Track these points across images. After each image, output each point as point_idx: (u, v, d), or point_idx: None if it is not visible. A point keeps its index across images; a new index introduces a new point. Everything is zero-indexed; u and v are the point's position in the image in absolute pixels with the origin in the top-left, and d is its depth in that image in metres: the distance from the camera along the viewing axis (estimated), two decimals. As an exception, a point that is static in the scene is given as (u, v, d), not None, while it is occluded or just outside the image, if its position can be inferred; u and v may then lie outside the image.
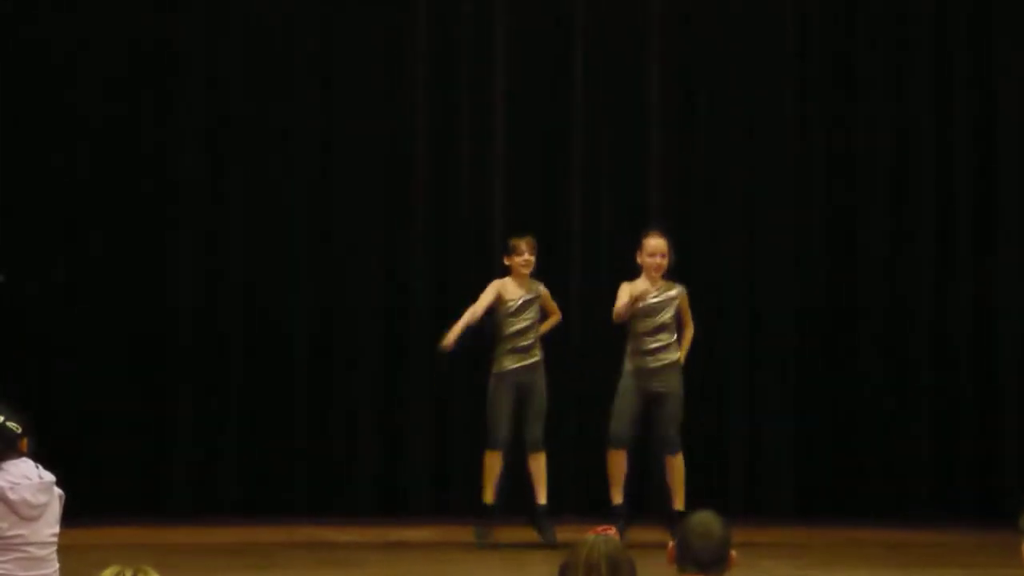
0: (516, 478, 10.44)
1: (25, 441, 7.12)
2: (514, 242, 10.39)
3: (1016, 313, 12.37)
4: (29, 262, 11.55)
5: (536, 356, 10.34)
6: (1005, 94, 12.42)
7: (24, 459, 7.06)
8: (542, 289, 10.42)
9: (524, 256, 10.30)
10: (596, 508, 10.51)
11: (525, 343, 10.29)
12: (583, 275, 12.17)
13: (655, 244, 10.20)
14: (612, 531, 4.55)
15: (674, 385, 10.27)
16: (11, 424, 7.00)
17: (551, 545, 9.91)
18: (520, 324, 10.30)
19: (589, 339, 11.86)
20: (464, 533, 10.54)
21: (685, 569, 4.94)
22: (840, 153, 12.48)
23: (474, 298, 10.37)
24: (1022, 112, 12.42)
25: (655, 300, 10.20)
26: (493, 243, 11.91)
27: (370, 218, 12.11)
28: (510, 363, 10.28)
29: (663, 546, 4.91)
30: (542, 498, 10.31)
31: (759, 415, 12.40)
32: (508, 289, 10.34)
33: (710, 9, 12.50)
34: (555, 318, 10.57)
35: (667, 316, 10.22)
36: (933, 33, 12.45)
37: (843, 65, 12.57)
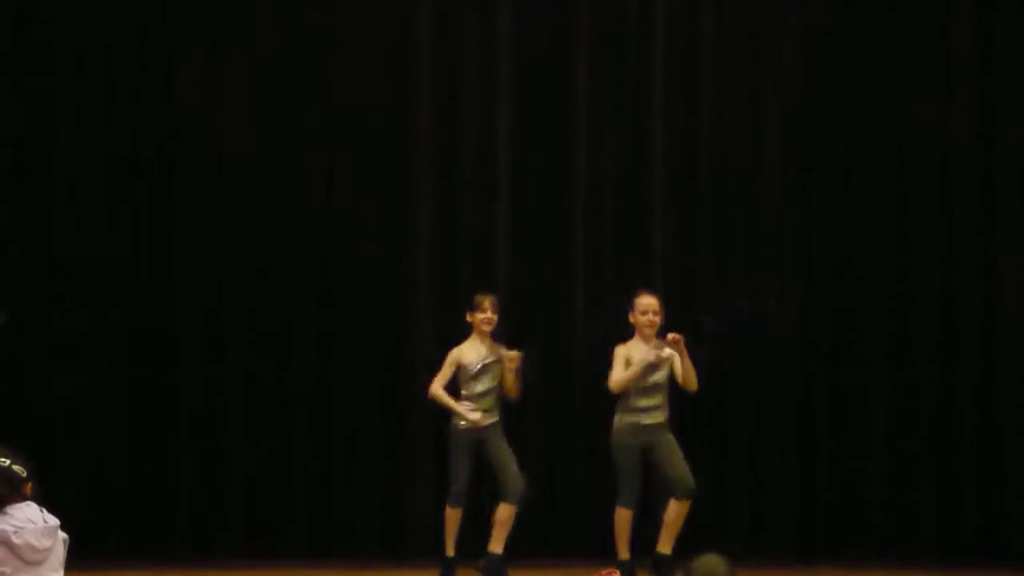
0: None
1: (30, 485, 7.12)
2: (478, 299, 10.36)
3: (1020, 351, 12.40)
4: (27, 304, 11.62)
5: (494, 418, 10.30)
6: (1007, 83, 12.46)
7: (29, 503, 7.06)
8: (503, 351, 10.32)
9: (487, 314, 10.28)
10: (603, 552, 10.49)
11: (486, 407, 10.27)
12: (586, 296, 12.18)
13: (647, 302, 10.22)
14: (616, 575, 4.56)
15: (667, 432, 10.23)
16: (16, 467, 7.00)
17: None
18: (479, 387, 10.28)
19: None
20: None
21: (691, 611, 4.94)
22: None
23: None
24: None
25: (652, 363, 10.13)
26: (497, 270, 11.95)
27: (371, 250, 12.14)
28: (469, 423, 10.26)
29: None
30: (496, 547, 10.28)
31: (761, 457, 12.38)
32: (466, 354, 10.31)
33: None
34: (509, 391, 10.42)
35: (661, 376, 10.19)
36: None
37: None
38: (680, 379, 10.22)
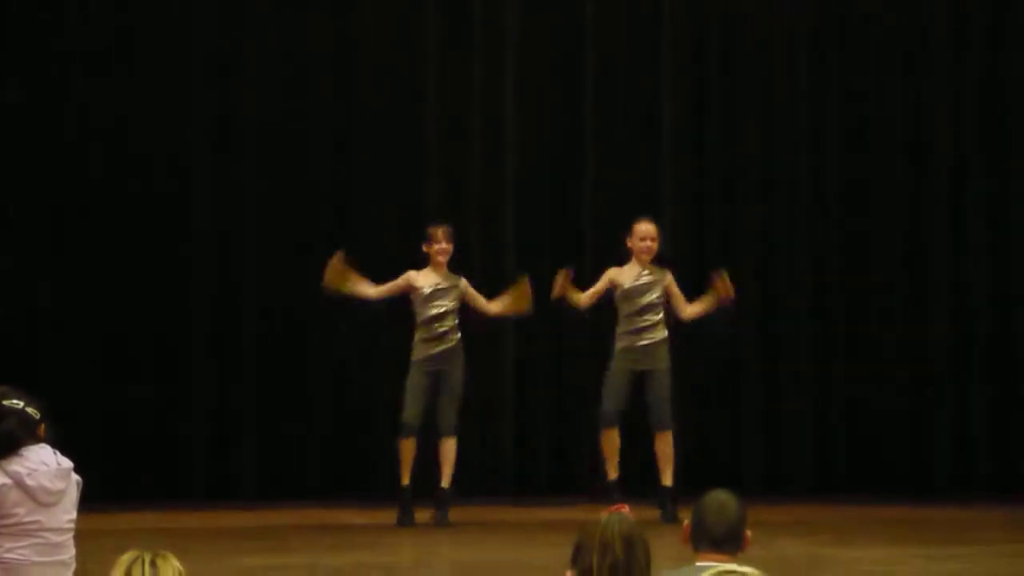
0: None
1: (43, 427, 7.15)
2: (431, 230, 10.53)
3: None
4: (44, 243, 11.59)
5: (451, 342, 10.41)
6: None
7: (42, 445, 7.08)
8: (462, 282, 10.51)
9: (441, 244, 10.41)
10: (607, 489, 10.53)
11: (440, 330, 10.36)
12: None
13: (646, 229, 10.46)
14: (626, 509, 4.55)
15: (662, 362, 10.46)
16: (30, 409, 7.02)
17: (441, 526, 10.26)
18: (432, 311, 10.39)
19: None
20: (481, 513, 10.58)
21: (700, 548, 4.94)
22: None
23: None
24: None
25: (642, 282, 10.42)
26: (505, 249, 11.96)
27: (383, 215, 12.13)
28: (423, 351, 10.40)
29: (660, 523, 4.92)
30: (446, 481, 10.46)
31: (776, 393, 12.40)
32: (419, 278, 10.46)
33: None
34: (491, 306, 10.59)
35: (653, 297, 10.44)
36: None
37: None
38: (682, 310, 10.44)
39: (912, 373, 12.41)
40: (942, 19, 12.42)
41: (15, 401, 6.96)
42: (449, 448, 10.48)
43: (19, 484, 6.88)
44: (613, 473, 10.50)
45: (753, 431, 12.36)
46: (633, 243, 10.47)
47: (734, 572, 3.23)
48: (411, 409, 10.42)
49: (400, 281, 10.52)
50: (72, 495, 7.07)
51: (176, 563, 4.05)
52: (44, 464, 6.97)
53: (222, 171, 12.02)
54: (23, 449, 6.94)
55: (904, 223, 12.47)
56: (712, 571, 3.22)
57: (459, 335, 10.48)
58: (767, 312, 12.41)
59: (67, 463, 7.07)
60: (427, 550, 9.83)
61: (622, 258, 10.60)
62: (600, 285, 10.52)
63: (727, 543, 4.92)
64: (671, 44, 12.37)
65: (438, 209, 11.70)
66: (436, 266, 10.50)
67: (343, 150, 12.19)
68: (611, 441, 10.47)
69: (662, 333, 10.47)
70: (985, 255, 12.42)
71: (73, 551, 7.12)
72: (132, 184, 11.79)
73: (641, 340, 10.45)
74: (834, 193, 12.50)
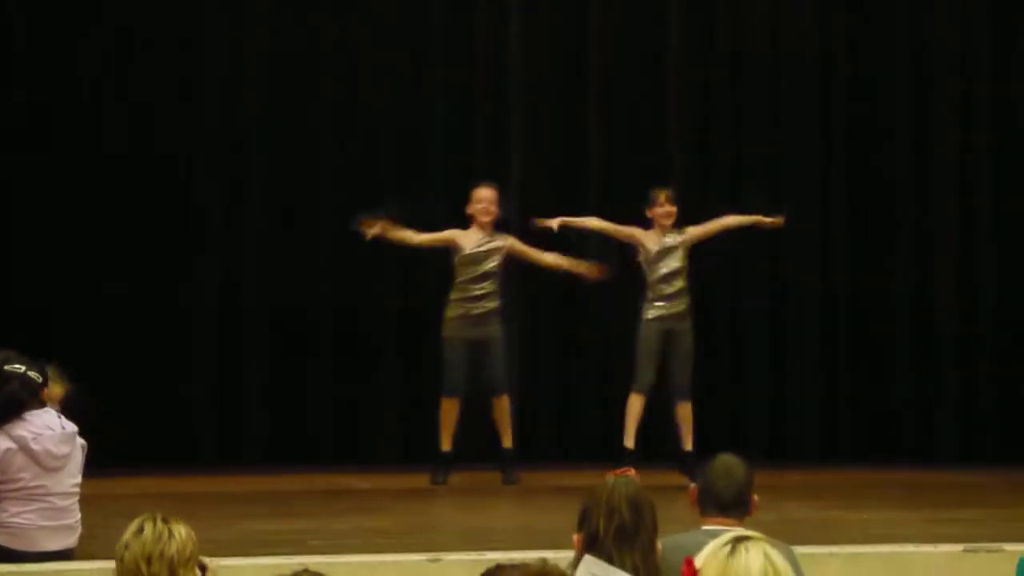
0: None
1: (46, 391, 7.14)
2: (475, 192, 10.43)
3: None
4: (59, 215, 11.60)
5: (489, 306, 10.38)
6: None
7: (47, 409, 7.08)
8: (508, 240, 10.43)
9: (483, 205, 10.34)
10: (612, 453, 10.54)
11: (476, 293, 10.35)
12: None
13: (665, 196, 10.46)
14: (632, 472, 4.54)
15: (686, 332, 10.50)
16: (32, 373, 7.02)
17: (511, 483, 10.37)
18: (473, 272, 10.36)
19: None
20: (489, 478, 10.59)
21: (707, 511, 4.94)
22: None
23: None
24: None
25: (666, 247, 10.42)
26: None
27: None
28: (459, 310, 10.39)
29: (684, 488, 4.90)
30: (507, 441, 10.50)
31: (782, 358, 12.40)
32: (462, 238, 10.41)
33: None
34: (547, 257, 10.53)
35: (677, 263, 10.43)
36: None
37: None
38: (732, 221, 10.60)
39: (918, 341, 12.40)
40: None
41: (17, 366, 6.96)
42: (502, 407, 10.46)
43: (24, 448, 6.88)
44: (630, 443, 10.48)
45: (759, 397, 12.35)
46: (653, 211, 10.48)
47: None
48: (455, 371, 10.38)
49: (445, 234, 10.44)
50: (77, 459, 7.07)
51: (186, 527, 4.06)
52: (49, 428, 6.97)
53: (227, 138, 12.00)
54: (27, 413, 6.94)
55: (911, 196, 12.46)
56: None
57: (499, 301, 10.42)
58: (773, 280, 12.38)
59: (72, 427, 7.07)
60: (434, 515, 9.83)
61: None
62: (621, 227, 10.51)
63: (734, 507, 4.92)
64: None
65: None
66: (480, 226, 10.39)
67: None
68: (637, 408, 10.50)
69: (687, 303, 10.48)
70: (989, 240, 12.40)
71: (79, 515, 7.13)
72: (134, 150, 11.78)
73: (667, 310, 10.42)
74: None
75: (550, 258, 10.56)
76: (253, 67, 11.99)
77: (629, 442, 10.46)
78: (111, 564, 4.30)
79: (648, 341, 10.46)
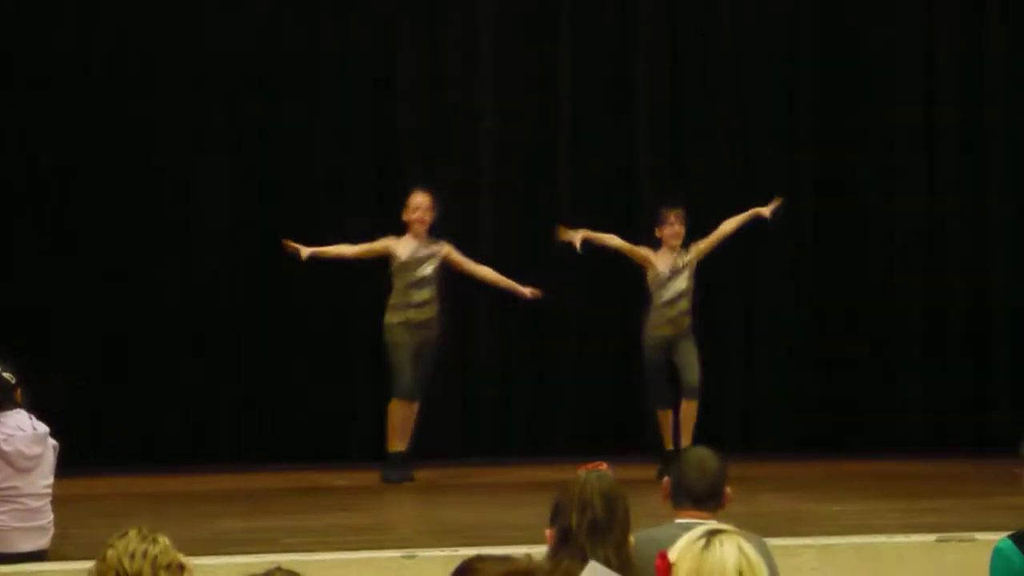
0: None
1: (19, 391, 7.12)
2: (410, 197, 10.45)
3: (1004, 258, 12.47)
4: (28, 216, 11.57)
5: (428, 314, 10.40)
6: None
7: (18, 410, 7.06)
8: (444, 248, 10.43)
9: (418, 212, 10.37)
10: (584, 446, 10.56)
11: (418, 299, 10.38)
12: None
13: (675, 215, 10.56)
14: (604, 467, 4.53)
15: (688, 337, 10.66)
16: (6, 375, 7.00)
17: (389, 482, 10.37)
18: (409, 279, 10.38)
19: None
20: (462, 474, 10.59)
21: (680, 505, 4.93)
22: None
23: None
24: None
25: (677, 268, 10.56)
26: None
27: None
28: (399, 316, 10.42)
29: (656, 482, 4.90)
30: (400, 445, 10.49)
31: (755, 353, 12.44)
32: (398, 247, 10.41)
33: None
34: (484, 271, 10.55)
35: (685, 283, 10.57)
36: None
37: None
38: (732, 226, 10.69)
39: (886, 332, 12.46)
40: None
41: (-9, 368, 6.93)
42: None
43: (-4, 449, 6.86)
44: (670, 444, 10.60)
45: (733, 388, 12.38)
46: (662, 231, 10.58)
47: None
48: (404, 375, 10.41)
49: (379, 243, 10.46)
50: (49, 460, 7.05)
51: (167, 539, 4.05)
52: (20, 429, 6.95)
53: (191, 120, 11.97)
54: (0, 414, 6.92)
55: (878, 187, 12.53)
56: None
57: (437, 305, 10.44)
58: (744, 274, 12.42)
59: (43, 428, 7.05)
60: (408, 512, 9.83)
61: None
62: (636, 248, 10.59)
63: (707, 500, 4.91)
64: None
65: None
66: (415, 233, 10.43)
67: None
68: (668, 419, 10.66)
69: (689, 320, 10.58)
70: (958, 216, 12.48)
71: (51, 516, 7.11)
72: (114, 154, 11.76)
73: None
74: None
75: (486, 273, 10.56)
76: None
77: (669, 444, 10.60)
78: (84, 565, 4.28)
79: (655, 363, 10.58)
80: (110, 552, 3.92)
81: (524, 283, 10.54)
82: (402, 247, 10.41)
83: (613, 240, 10.64)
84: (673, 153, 12.48)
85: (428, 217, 10.39)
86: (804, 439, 12.28)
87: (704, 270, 11.23)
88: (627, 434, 11.02)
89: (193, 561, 4.12)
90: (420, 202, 10.40)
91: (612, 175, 12.33)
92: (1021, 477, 5.01)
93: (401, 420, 10.45)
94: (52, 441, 7.10)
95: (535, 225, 11.80)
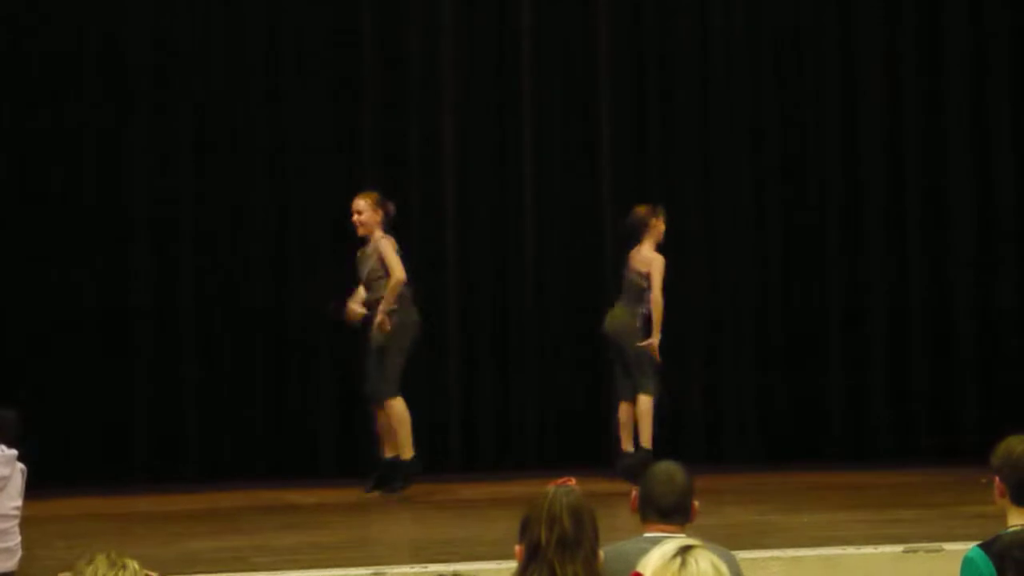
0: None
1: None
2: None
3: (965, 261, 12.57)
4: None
5: (371, 312, 10.41)
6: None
7: (-16, 433, 7.04)
8: (381, 243, 10.36)
9: (353, 216, 10.37)
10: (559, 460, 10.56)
11: (366, 300, 10.44)
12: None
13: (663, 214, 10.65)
14: (573, 482, 4.54)
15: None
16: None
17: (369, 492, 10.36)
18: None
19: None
20: (431, 490, 10.59)
21: (648, 518, 4.94)
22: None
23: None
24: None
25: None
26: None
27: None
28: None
29: (626, 495, 4.91)
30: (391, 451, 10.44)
31: (720, 363, 12.48)
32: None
33: None
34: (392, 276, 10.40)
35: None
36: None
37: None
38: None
39: (853, 341, 12.53)
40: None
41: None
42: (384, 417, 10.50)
43: (-38, 472, 6.84)
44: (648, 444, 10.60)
45: (695, 400, 12.42)
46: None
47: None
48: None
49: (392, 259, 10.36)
50: (17, 482, 7.03)
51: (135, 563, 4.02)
52: (-13, 452, 6.93)
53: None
54: (-34, 438, 6.90)
55: (840, 198, 12.60)
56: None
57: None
58: (712, 282, 12.47)
59: (11, 451, 7.03)
60: (379, 529, 9.82)
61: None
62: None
63: (675, 514, 4.92)
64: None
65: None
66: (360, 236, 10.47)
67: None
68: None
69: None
70: (921, 227, 12.56)
71: (19, 538, 7.08)
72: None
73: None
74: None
75: (389, 282, 10.40)
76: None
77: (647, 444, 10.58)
78: (52, 586, 4.28)
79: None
80: None
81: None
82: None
83: (658, 308, 10.50)
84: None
85: (356, 219, 10.33)
86: (770, 450, 12.32)
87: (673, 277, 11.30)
88: (598, 447, 11.03)
89: (163, 582, 4.12)
90: (353, 206, 10.36)
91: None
92: (990, 486, 5.04)
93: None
94: (20, 465, 7.08)
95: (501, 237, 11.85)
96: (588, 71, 12.45)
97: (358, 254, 10.43)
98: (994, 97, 12.65)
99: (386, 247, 10.28)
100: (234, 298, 11.93)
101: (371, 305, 10.36)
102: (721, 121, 12.56)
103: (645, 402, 10.50)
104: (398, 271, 10.23)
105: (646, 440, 10.48)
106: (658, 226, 10.59)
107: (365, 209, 10.36)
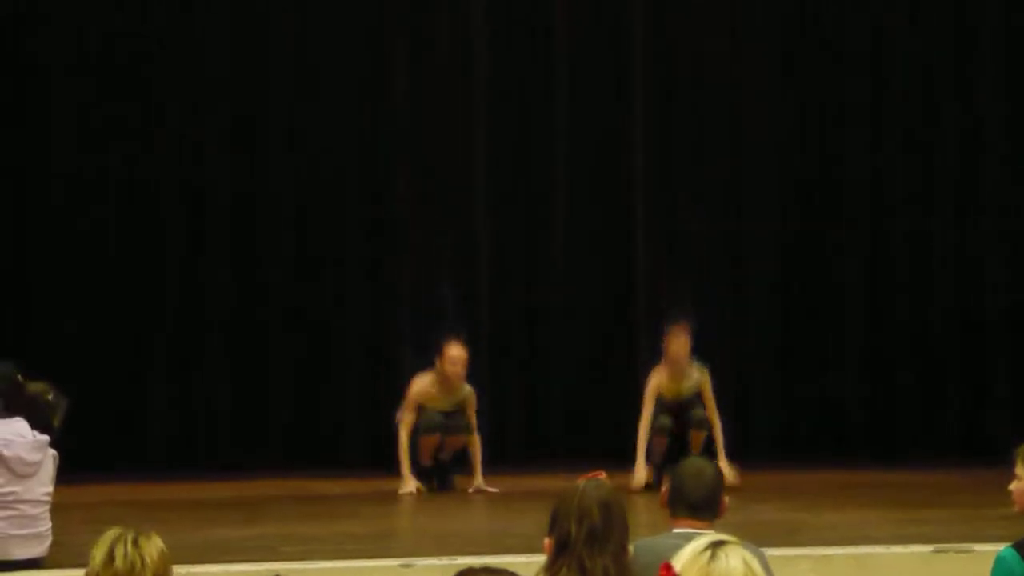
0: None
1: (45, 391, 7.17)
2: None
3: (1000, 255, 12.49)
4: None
5: None
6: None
7: (18, 418, 7.08)
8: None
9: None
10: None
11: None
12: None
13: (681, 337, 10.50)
14: (603, 476, 4.54)
15: None
16: (19, 376, 7.04)
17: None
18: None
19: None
20: (460, 483, 10.61)
21: (677, 513, 4.94)
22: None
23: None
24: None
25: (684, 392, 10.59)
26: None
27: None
28: None
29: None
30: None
31: (744, 361, 12.46)
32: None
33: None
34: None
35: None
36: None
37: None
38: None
39: (877, 340, 12.50)
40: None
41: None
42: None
43: (-6, 455, 6.87)
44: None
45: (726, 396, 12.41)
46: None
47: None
48: None
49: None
50: (48, 468, 7.07)
51: (159, 542, 4.02)
52: (20, 436, 6.97)
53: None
54: (-2, 421, 6.94)
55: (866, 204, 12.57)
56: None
57: None
58: (733, 280, 12.45)
59: (43, 437, 7.07)
60: (405, 521, 9.82)
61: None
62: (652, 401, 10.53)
63: (704, 509, 4.92)
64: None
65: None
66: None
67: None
68: None
69: None
70: (952, 229, 12.52)
71: (49, 524, 7.12)
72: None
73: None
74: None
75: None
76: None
77: None
78: (78, 573, 4.28)
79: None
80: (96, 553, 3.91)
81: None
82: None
83: (644, 433, 10.43)
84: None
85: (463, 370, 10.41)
86: (800, 448, 12.28)
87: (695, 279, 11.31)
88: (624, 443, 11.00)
89: (190, 569, 4.13)
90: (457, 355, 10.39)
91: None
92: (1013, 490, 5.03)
93: None
94: (52, 451, 7.12)
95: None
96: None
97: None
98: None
99: None
100: (263, 287, 11.94)
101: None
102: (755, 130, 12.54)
103: None
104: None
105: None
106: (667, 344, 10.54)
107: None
